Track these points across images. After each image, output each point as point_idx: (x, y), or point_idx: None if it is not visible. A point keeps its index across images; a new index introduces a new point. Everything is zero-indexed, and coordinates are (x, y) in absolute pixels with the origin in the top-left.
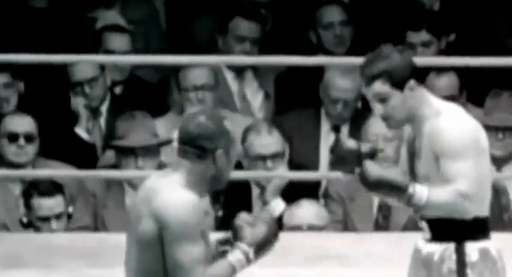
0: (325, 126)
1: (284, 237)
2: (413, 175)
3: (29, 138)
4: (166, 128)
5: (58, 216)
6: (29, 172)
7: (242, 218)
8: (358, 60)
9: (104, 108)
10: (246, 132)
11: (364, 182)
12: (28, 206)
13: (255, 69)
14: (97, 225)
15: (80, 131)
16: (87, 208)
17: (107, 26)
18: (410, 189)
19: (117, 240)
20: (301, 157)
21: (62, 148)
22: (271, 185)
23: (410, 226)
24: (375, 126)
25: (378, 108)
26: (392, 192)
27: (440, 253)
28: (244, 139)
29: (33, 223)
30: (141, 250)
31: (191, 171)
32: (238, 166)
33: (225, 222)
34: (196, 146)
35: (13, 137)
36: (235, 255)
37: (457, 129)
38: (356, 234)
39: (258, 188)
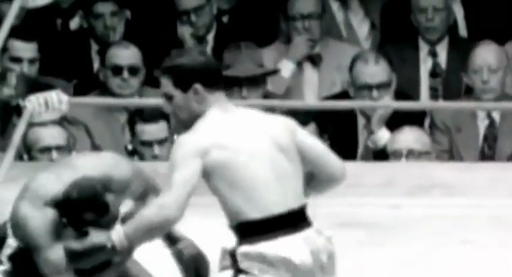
0: (422, 53)
1: (389, 166)
2: None
3: (133, 71)
4: (273, 57)
5: (161, 142)
6: (134, 101)
7: None
8: None
9: (210, 37)
10: (354, 61)
11: (75, 262)
12: (133, 133)
13: None
14: None
15: None
16: None
17: None
18: (108, 241)
19: None
20: (403, 86)
21: None
22: (377, 115)
23: None
24: (480, 57)
25: (165, 104)
26: (100, 255)
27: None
28: (351, 69)
29: (137, 150)
30: None
31: None
32: (345, 95)
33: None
34: None
35: (117, 70)
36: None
37: (185, 140)
38: (462, 163)
39: (364, 118)
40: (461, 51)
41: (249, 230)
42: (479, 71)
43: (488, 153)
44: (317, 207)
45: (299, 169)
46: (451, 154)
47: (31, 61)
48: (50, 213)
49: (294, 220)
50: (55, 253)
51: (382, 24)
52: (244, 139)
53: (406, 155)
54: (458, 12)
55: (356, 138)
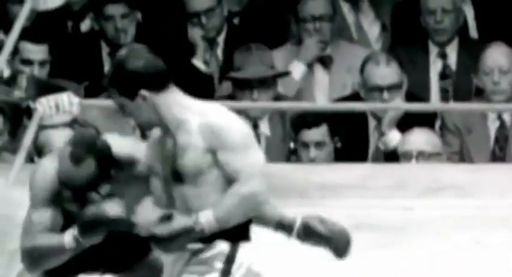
0: (432, 55)
1: (400, 168)
2: (167, 177)
3: None
4: (284, 59)
5: None
6: None
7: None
8: None
9: (221, 39)
10: (365, 62)
11: (161, 245)
12: (144, 135)
13: (371, 0)
14: None
15: (197, 62)
16: None
17: None
18: (196, 224)
19: None
20: (413, 87)
21: (179, 79)
22: (388, 116)
23: None
24: (491, 58)
25: (121, 113)
26: (185, 238)
27: (211, 250)
28: (362, 70)
29: None
30: None
31: None
32: (356, 97)
33: (343, 153)
34: None
35: None
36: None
37: (235, 124)
38: (472, 165)
39: (375, 119)
40: (471, 52)
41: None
42: (490, 72)
43: (499, 154)
44: (328, 208)
45: None
46: (462, 155)
47: (42, 63)
48: None
49: None
50: (34, 216)
51: (392, 26)
52: None
53: (416, 157)
54: (469, 13)
55: (367, 139)
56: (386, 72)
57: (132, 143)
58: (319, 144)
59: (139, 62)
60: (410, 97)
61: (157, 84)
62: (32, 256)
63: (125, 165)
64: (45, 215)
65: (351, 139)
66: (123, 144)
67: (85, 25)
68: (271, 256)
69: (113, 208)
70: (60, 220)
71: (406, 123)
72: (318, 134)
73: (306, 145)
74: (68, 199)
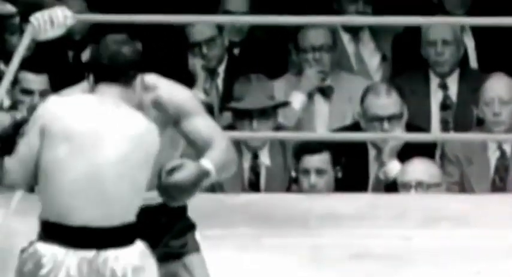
0: (433, 85)
1: (400, 198)
2: None
3: None
4: (284, 89)
5: None
6: None
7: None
8: (479, 21)
9: (221, 69)
10: (365, 93)
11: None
12: None
13: (372, 30)
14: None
15: (197, 92)
16: None
17: None
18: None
19: (234, 202)
20: (413, 118)
21: None
22: (388, 147)
23: None
24: (491, 89)
25: None
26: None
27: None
28: (362, 100)
29: None
30: None
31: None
32: (356, 127)
33: (343, 183)
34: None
35: None
36: None
37: (45, 104)
38: (473, 195)
39: (375, 149)
40: (471, 83)
41: (43, 229)
42: (490, 103)
43: (499, 184)
44: (328, 238)
45: (139, 182)
46: (462, 186)
47: (42, 93)
48: None
49: (89, 237)
50: None
51: (393, 57)
52: (88, 133)
53: (415, 187)
54: (469, 44)
55: (367, 169)
56: (386, 103)
57: None
58: (320, 172)
59: (103, 49)
60: (410, 127)
61: (99, 76)
62: None
63: None
64: None
65: (351, 169)
66: None
67: (86, 55)
68: None
69: None
70: None
71: (406, 153)
72: (319, 160)
73: (307, 171)
74: None
